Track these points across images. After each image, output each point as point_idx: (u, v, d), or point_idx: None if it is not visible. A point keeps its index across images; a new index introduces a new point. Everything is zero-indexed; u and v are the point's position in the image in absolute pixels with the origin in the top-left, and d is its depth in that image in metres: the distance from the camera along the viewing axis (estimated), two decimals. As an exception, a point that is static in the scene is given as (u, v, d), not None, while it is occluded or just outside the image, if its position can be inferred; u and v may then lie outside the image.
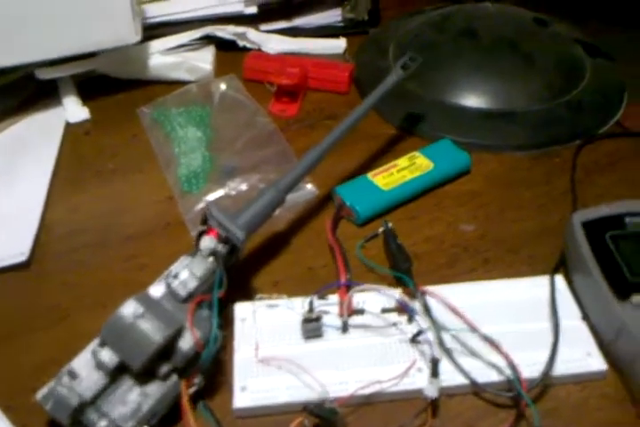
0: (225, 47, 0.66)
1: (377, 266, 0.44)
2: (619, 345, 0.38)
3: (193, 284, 0.36)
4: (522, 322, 0.40)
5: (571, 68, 0.60)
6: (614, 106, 0.58)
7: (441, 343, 0.38)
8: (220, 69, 0.64)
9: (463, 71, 0.58)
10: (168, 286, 0.36)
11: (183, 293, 0.36)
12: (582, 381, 0.39)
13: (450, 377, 0.37)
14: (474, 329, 0.38)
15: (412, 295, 0.41)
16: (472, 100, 0.57)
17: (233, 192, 0.49)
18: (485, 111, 0.56)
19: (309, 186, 0.51)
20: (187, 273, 0.36)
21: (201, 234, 0.37)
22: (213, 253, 0.36)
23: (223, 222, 0.36)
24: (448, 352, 0.38)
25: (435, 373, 0.36)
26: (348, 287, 0.40)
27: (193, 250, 0.37)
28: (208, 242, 0.36)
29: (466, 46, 0.60)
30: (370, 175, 0.50)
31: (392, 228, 0.47)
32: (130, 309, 0.33)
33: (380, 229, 0.47)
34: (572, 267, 0.43)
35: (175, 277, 0.36)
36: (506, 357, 0.37)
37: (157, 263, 0.39)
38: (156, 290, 0.36)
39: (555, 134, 0.56)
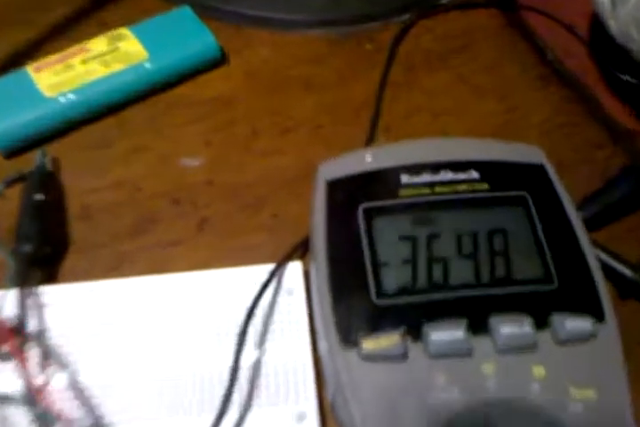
0: None
1: (-4, 239, 0.26)
2: (336, 407, 0.22)
3: None
4: (206, 353, 0.24)
5: None
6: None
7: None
8: None
9: None
10: None
11: None
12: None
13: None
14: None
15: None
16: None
17: None
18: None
19: None
20: None
21: None
22: None
23: None
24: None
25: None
26: None
27: None
28: None
29: None
30: (31, 69, 0.30)
31: (48, 167, 0.28)
32: None
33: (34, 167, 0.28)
34: (312, 252, 0.26)
35: None
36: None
37: None
38: None
39: (370, 4, 0.35)
